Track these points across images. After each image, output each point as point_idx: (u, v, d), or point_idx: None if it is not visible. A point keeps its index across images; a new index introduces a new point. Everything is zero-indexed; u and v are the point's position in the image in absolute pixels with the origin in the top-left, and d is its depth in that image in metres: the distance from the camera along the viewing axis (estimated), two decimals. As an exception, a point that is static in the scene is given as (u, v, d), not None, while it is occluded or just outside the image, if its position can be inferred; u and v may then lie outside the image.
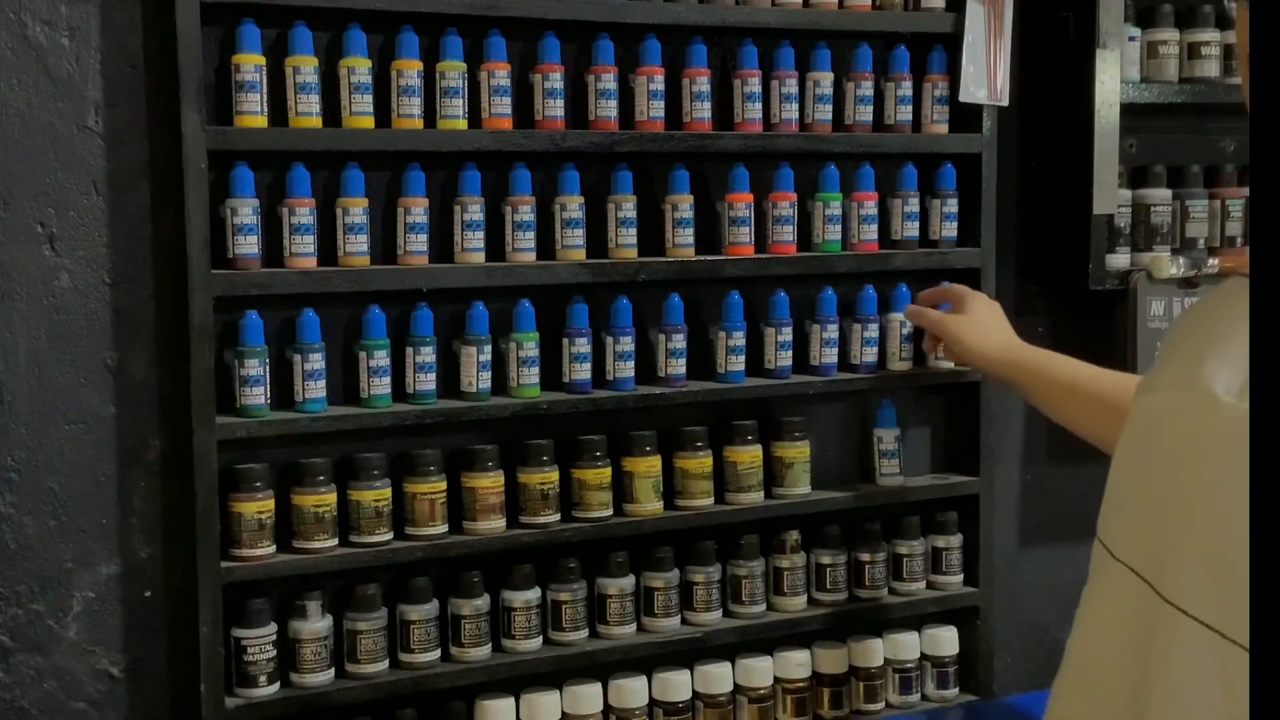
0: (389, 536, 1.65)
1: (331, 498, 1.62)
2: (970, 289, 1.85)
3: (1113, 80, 1.96)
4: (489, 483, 1.68)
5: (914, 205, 1.92)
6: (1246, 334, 0.68)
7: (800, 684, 1.84)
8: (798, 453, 1.85)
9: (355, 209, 1.63)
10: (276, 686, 1.61)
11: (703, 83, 1.78)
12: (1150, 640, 0.70)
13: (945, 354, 1.88)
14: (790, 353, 1.86)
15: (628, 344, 1.75)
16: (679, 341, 1.78)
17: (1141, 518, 0.72)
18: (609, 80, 1.73)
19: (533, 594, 1.72)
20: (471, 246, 1.68)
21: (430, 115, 1.66)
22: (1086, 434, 1.59)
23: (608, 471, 1.75)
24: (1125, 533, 0.73)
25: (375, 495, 1.63)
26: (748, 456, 1.82)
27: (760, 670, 1.82)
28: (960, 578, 1.98)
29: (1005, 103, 1.93)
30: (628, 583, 1.77)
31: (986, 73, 1.92)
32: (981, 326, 1.77)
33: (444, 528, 1.67)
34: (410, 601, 1.66)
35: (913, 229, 1.93)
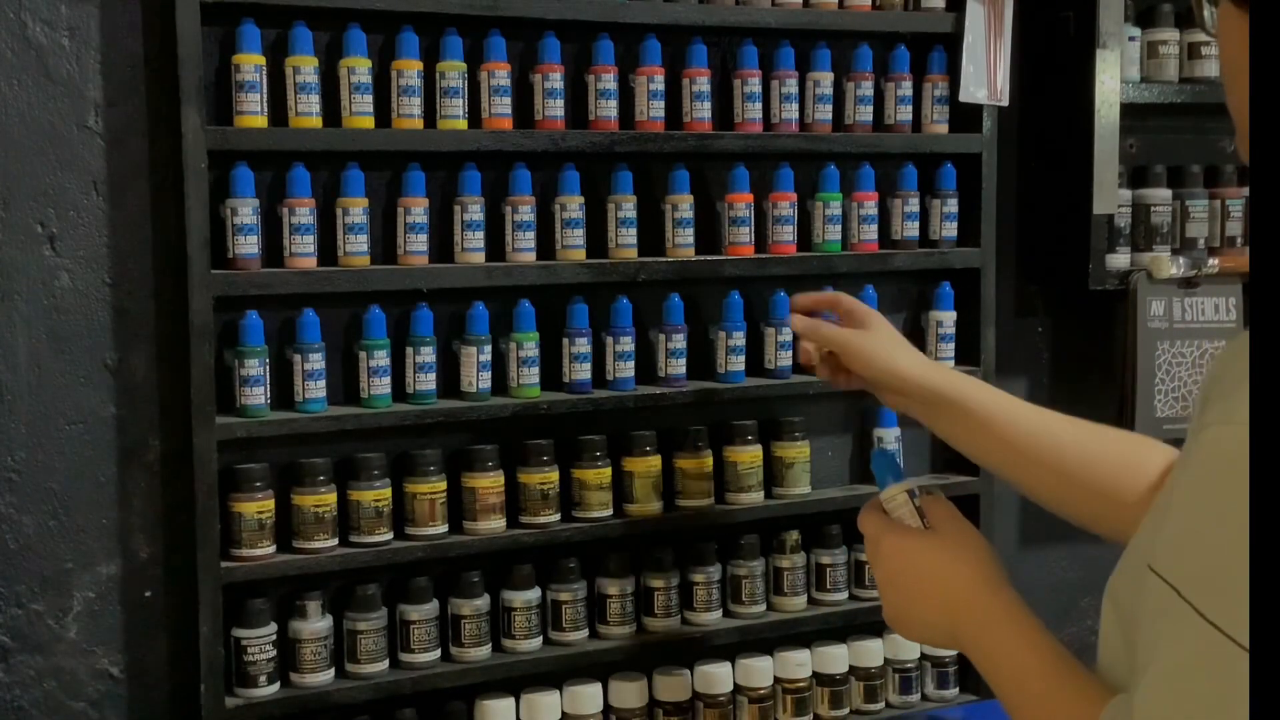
0: (389, 536, 1.65)
1: (331, 498, 1.62)
2: (864, 305, 1.51)
3: (1113, 80, 1.96)
4: (489, 483, 1.68)
5: (914, 205, 1.92)
6: None
7: (800, 684, 1.84)
8: (798, 453, 1.86)
9: (355, 209, 1.63)
10: (276, 686, 1.61)
11: (703, 83, 1.78)
12: (1205, 667, 0.68)
13: (836, 375, 1.49)
14: (790, 353, 1.86)
15: (628, 344, 1.75)
16: (679, 341, 1.78)
17: (1216, 552, 0.70)
18: (609, 80, 1.73)
19: (533, 594, 1.72)
20: (471, 246, 1.68)
21: (430, 115, 1.66)
22: (1010, 478, 1.34)
23: (608, 471, 1.75)
24: (1194, 566, 0.71)
25: (375, 495, 1.63)
26: (748, 456, 1.82)
27: (760, 670, 1.82)
28: (960, 578, 1.98)
29: (1005, 103, 1.94)
30: (628, 583, 1.77)
31: (986, 73, 1.92)
32: (892, 343, 1.45)
33: (444, 528, 1.67)
34: (410, 601, 1.66)
35: (913, 229, 1.93)
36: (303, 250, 1.60)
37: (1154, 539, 0.79)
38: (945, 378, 1.38)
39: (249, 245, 1.57)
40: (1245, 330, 0.78)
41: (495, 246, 1.70)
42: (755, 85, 1.81)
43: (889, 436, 1.93)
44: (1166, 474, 1.16)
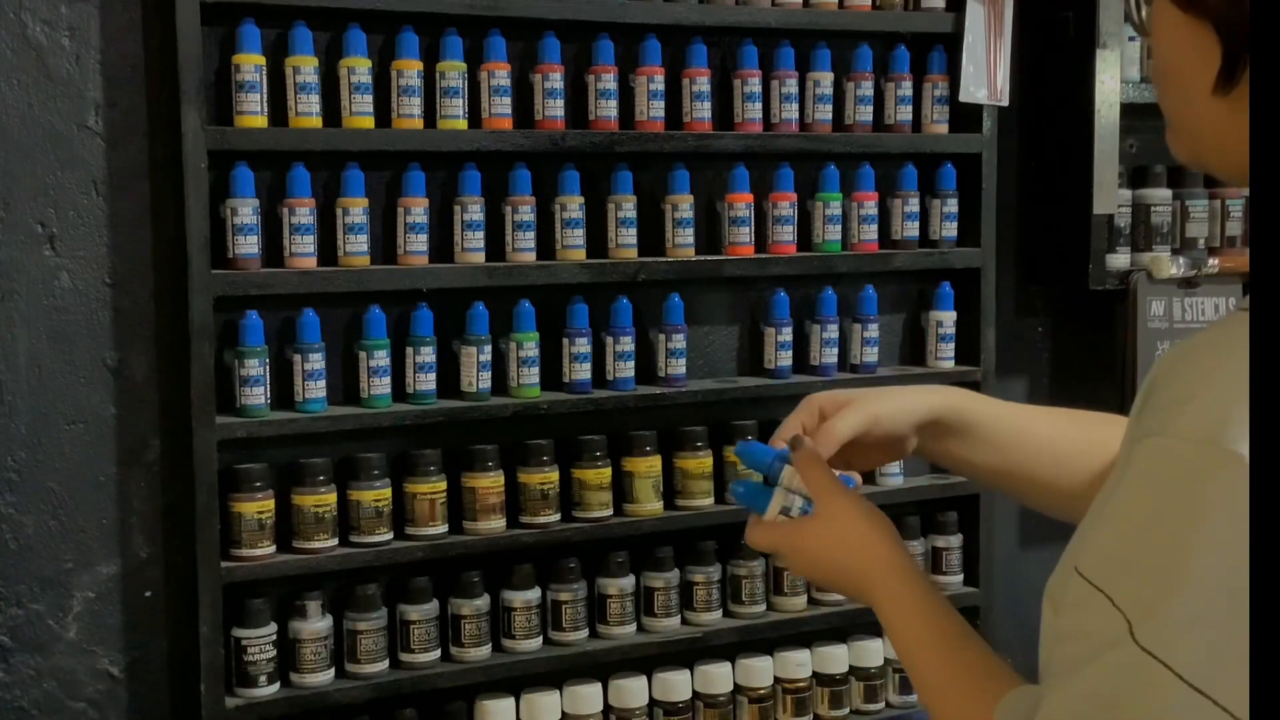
0: (389, 536, 1.64)
1: (331, 498, 1.62)
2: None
3: (1113, 80, 1.96)
4: (489, 483, 1.68)
5: (914, 205, 1.92)
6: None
7: (800, 684, 1.84)
8: (798, 453, 1.85)
9: (355, 209, 1.63)
10: (276, 686, 1.61)
11: (703, 83, 1.78)
12: (1118, 679, 0.70)
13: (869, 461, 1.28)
14: (790, 353, 1.86)
15: (628, 344, 1.75)
16: (679, 341, 1.78)
17: (1142, 565, 0.71)
18: (609, 80, 1.73)
19: (533, 594, 1.72)
20: (471, 246, 1.68)
21: (430, 115, 1.66)
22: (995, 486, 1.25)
23: (608, 471, 1.75)
24: (1119, 573, 0.72)
25: (375, 495, 1.63)
26: (748, 456, 1.82)
27: (760, 670, 1.81)
28: (960, 578, 1.98)
29: (1005, 103, 1.93)
30: (628, 583, 1.77)
31: (986, 73, 1.92)
32: (890, 393, 1.22)
33: (444, 528, 1.67)
34: (410, 601, 1.66)
35: (913, 229, 1.93)
36: (303, 250, 1.60)
37: (1080, 542, 0.79)
38: (942, 401, 1.22)
39: (249, 245, 1.57)
40: (1193, 336, 0.78)
41: (495, 246, 1.70)
42: (755, 85, 1.81)
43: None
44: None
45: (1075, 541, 0.86)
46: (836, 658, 1.87)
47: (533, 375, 1.71)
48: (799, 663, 1.85)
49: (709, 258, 1.81)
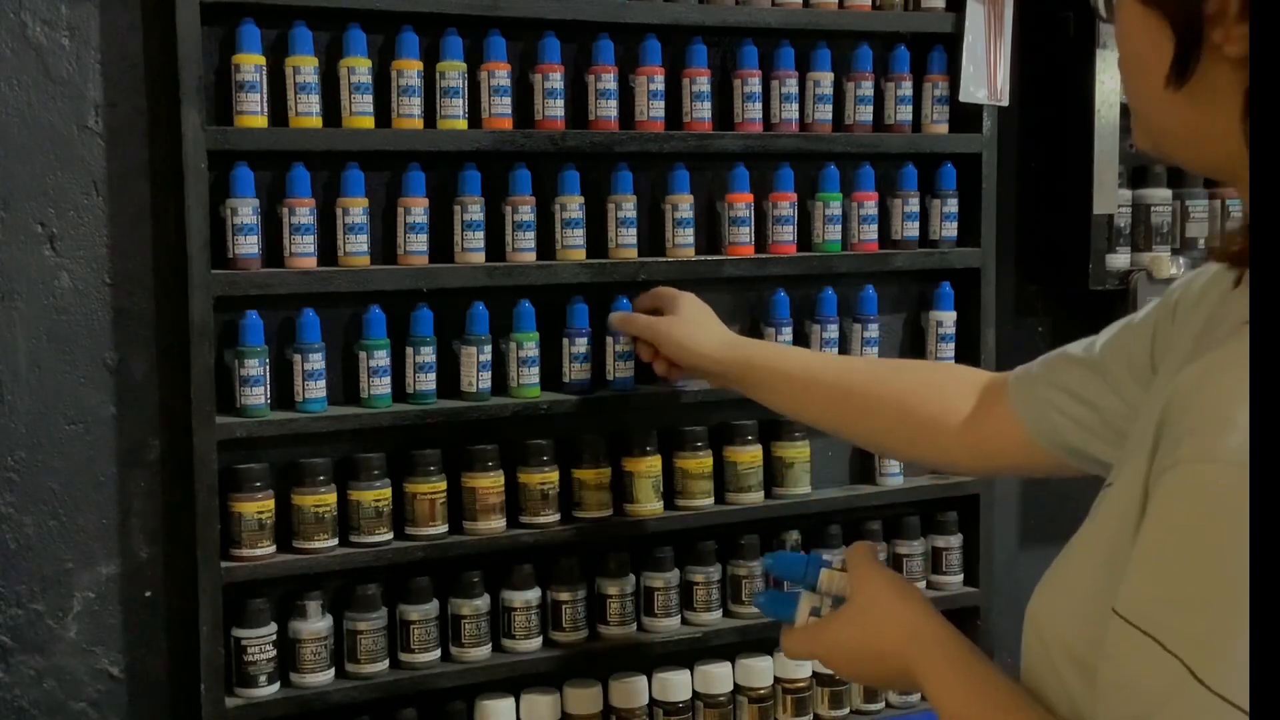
0: (389, 536, 1.64)
1: (331, 498, 1.62)
2: (677, 290, 1.67)
3: (1113, 80, 1.96)
4: (489, 483, 1.68)
5: (914, 205, 1.92)
6: None
7: (800, 684, 1.84)
8: (797, 453, 1.86)
9: (355, 209, 1.63)
10: (276, 686, 1.61)
11: (703, 83, 1.78)
12: None
13: (659, 365, 1.65)
14: (790, 353, 1.86)
15: (628, 344, 1.75)
16: (679, 341, 1.78)
17: (1197, 602, 0.67)
18: (609, 80, 1.73)
19: (533, 594, 1.72)
20: (471, 246, 1.68)
21: (430, 115, 1.66)
22: (829, 427, 1.45)
23: (608, 471, 1.75)
24: (1169, 614, 0.68)
25: (375, 495, 1.63)
26: (748, 456, 1.82)
27: (760, 670, 1.82)
28: (960, 578, 1.98)
29: (1005, 103, 1.94)
30: (628, 583, 1.77)
31: (986, 73, 1.92)
32: (694, 324, 1.58)
33: (444, 528, 1.67)
34: (410, 601, 1.66)
35: (913, 229, 1.93)
36: (303, 250, 1.60)
37: (1104, 582, 0.75)
38: (746, 350, 1.52)
39: (249, 245, 1.57)
40: (1211, 353, 0.75)
41: (495, 246, 1.70)
42: (755, 85, 1.81)
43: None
44: (985, 399, 1.25)
45: (1069, 570, 0.84)
46: (836, 658, 1.87)
47: (533, 375, 1.71)
48: (799, 663, 1.85)
49: (709, 258, 1.81)
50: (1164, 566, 0.70)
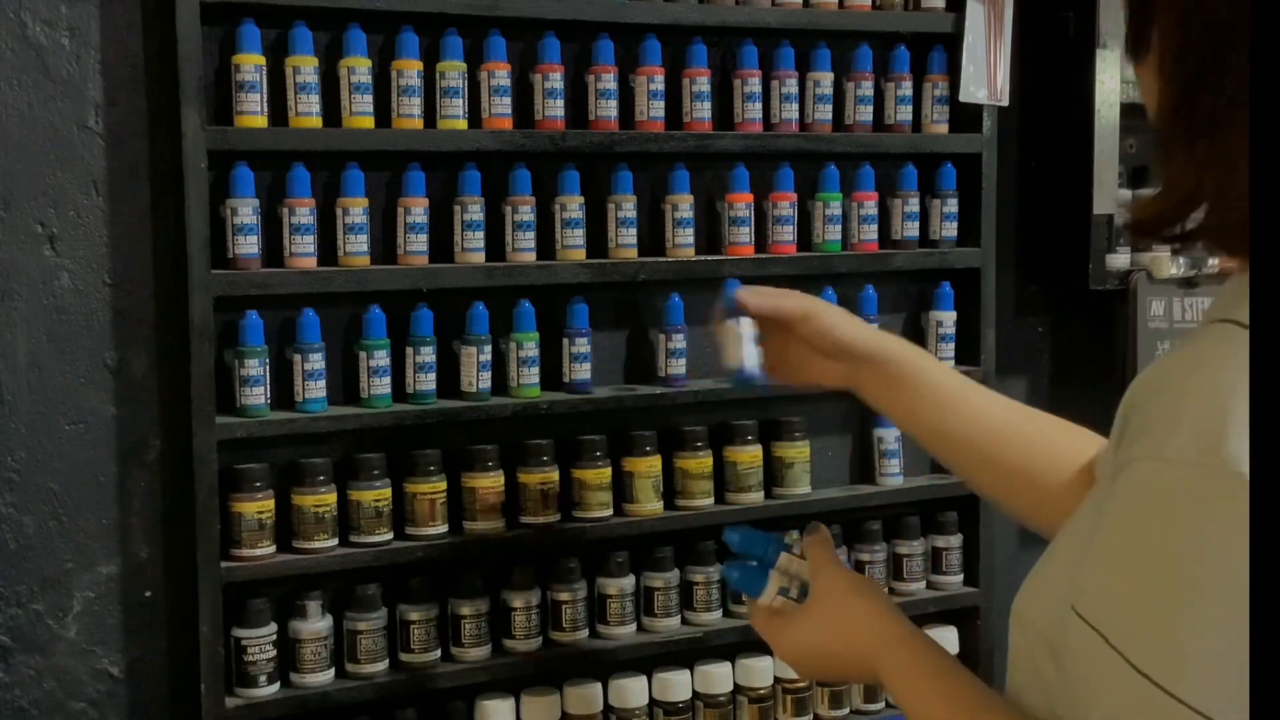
0: (389, 536, 1.65)
1: (331, 498, 1.62)
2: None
3: (1113, 80, 1.97)
4: (489, 483, 1.68)
5: (914, 205, 1.92)
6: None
7: (800, 684, 1.84)
8: (797, 453, 1.86)
9: (355, 209, 1.63)
10: (276, 686, 1.61)
11: (703, 83, 1.78)
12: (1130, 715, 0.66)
13: (781, 367, 1.29)
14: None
15: (755, 328, 1.67)
16: (679, 341, 1.79)
17: (1144, 598, 0.68)
18: (609, 80, 1.73)
19: (533, 594, 1.72)
20: (471, 246, 1.68)
21: (430, 115, 1.66)
22: (948, 457, 1.21)
23: (608, 471, 1.75)
24: (1118, 611, 0.69)
25: (375, 495, 1.63)
26: (748, 456, 1.82)
27: (760, 670, 1.81)
28: (960, 578, 1.98)
29: (1005, 103, 1.94)
30: (628, 583, 1.77)
31: (986, 73, 1.92)
32: (837, 310, 1.26)
33: (444, 528, 1.67)
34: (410, 601, 1.66)
35: (913, 229, 1.93)
36: (303, 250, 1.60)
37: (1072, 575, 0.76)
38: (898, 341, 1.24)
39: (249, 245, 1.57)
40: (1163, 358, 0.76)
41: (495, 246, 1.70)
42: (755, 85, 1.81)
43: (889, 437, 1.93)
44: (1088, 470, 1.08)
45: (1056, 567, 0.84)
46: (836, 658, 1.87)
47: (533, 375, 1.71)
48: (799, 663, 1.84)
49: (709, 258, 1.81)
50: (1111, 562, 0.71)
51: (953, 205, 1.94)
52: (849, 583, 1.04)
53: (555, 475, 1.72)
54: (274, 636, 1.60)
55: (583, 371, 1.74)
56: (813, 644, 1.03)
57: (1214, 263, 2.06)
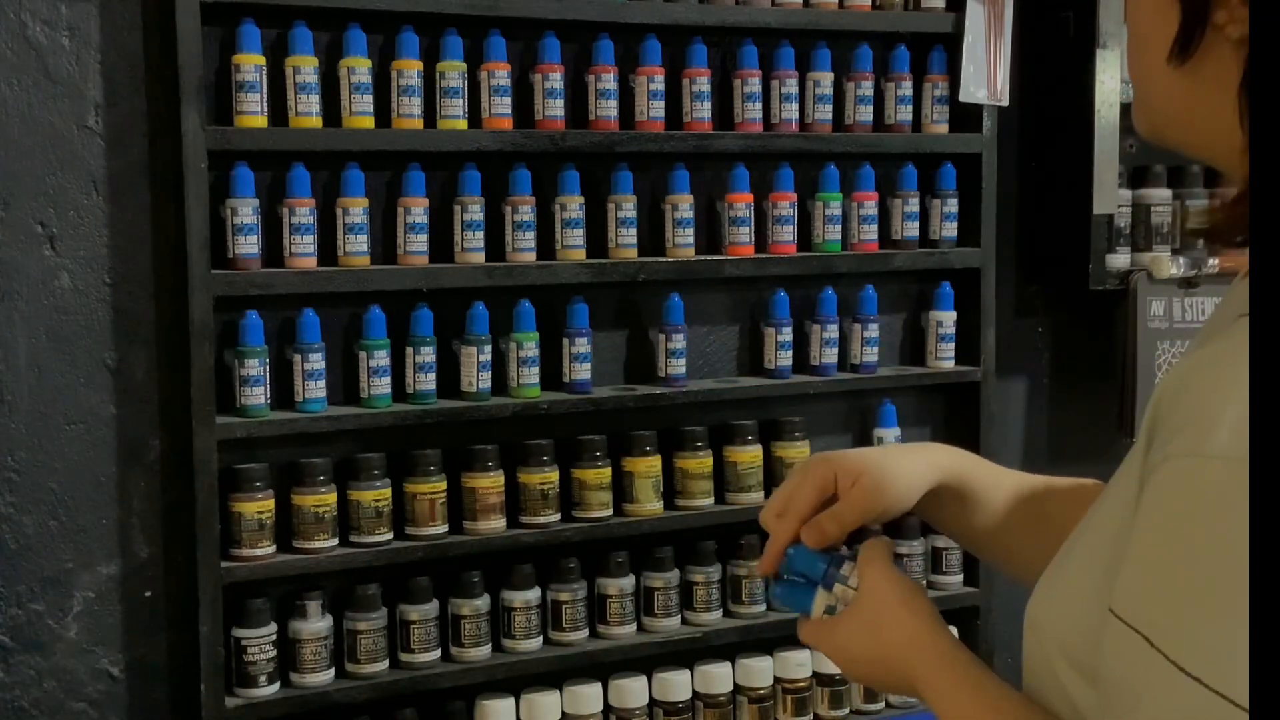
0: (389, 536, 1.64)
1: (331, 498, 1.62)
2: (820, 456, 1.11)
3: (1113, 80, 1.96)
4: (489, 483, 1.68)
5: (914, 205, 1.92)
6: None
7: (800, 684, 1.84)
8: (797, 453, 1.85)
9: (355, 209, 1.63)
10: (276, 686, 1.61)
11: (703, 83, 1.78)
12: (1172, 714, 0.65)
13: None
14: (790, 353, 1.86)
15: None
16: (679, 341, 1.78)
17: (1185, 594, 0.66)
18: (609, 80, 1.73)
19: (533, 594, 1.72)
20: (471, 246, 1.68)
21: (430, 115, 1.66)
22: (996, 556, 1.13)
23: (608, 471, 1.75)
24: (1159, 609, 0.67)
25: (375, 495, 1.63)
26: (748, 456, 1.82)
27: (760, 670, 1.81)
28: (960, 578, 1.98)
29: (1005, 103, 1.93)
30: (628, 583, 1.77)
31: (986, 73, 1.92)
32: (891, 467, 1.09)
33: (444, 528, 1.67)
34: (410, 601, 1.66)
35: (913, 229, 1.93)
36: (303, 250, 1.60)
37: (1100, 578, 0.74)
38: (954, 461, 1.12)
39: (249, 245, 1.57)
40: (1199, 349, 0.75)
41: (495, 246, 1.70)
42: (755, 85, 1.81)
43: (889, 437, 1.93)
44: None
45: (1068, 571, 0.83)
46: (836, 658, 1.87)
47: (533, 375, 1.71)
48: (799, 663, 1.84)
49: (709, 258, 1.81)
50: (1152, 562, 0.69)
51: (953, 205, 1.94)
52: (893, 587, 1.01)
53: (555, 475, 1.72)
54: (274, 636, 1.60)
55: (583, 371, 1.74)
56: (854, 648, 1.01)
57: (1214, 263, 2.06)
